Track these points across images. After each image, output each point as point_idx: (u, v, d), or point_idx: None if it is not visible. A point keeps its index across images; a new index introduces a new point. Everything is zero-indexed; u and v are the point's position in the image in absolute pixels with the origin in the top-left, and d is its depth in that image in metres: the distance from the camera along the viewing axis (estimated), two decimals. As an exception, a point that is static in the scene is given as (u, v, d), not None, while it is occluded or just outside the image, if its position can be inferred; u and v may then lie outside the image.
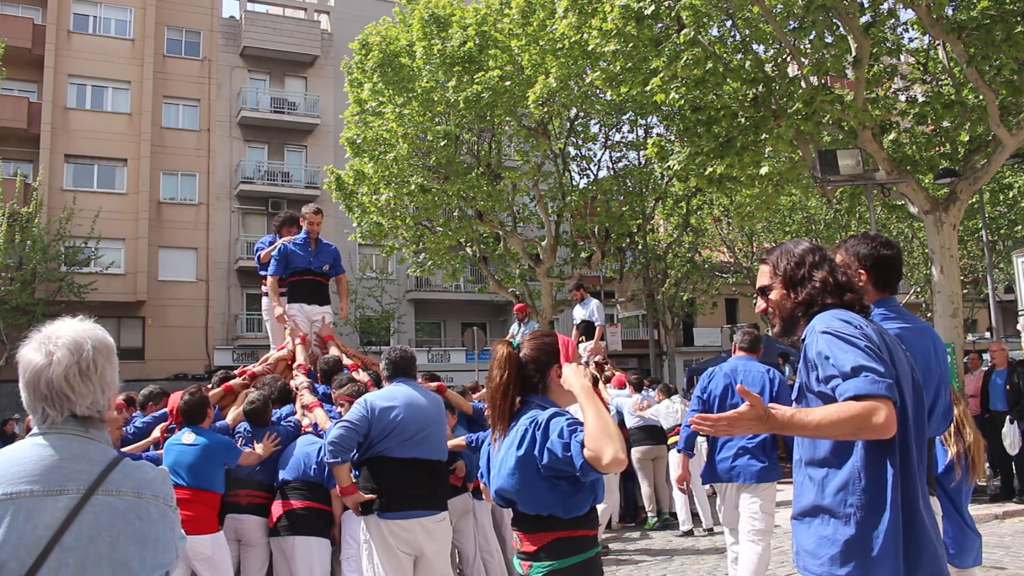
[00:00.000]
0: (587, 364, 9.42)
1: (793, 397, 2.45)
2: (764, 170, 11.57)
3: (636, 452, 9.52)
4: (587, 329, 11.14)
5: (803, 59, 11.14)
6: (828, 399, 2.20)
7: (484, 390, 3.40)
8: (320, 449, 5.21)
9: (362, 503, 4.29)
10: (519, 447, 2.49)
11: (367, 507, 4.26)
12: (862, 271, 3.05)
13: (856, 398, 2.11)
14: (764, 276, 2.56)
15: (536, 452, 2.45)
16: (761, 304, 2.57)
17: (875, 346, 2.20)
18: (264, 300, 7.73)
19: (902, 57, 13.69)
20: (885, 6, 11.40)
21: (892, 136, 13.00)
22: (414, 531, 4.18)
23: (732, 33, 12.69)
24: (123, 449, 5.57)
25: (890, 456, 2.19)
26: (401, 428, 4.25)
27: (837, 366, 2.18)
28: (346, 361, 6.64)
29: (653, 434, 9.62)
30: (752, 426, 2.19)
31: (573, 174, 20.96)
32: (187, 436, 4.99)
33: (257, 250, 7.71)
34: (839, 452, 2.24)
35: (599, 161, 22.05)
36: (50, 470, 1.61)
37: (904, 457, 2.21)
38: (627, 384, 10.32)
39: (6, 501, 1.56)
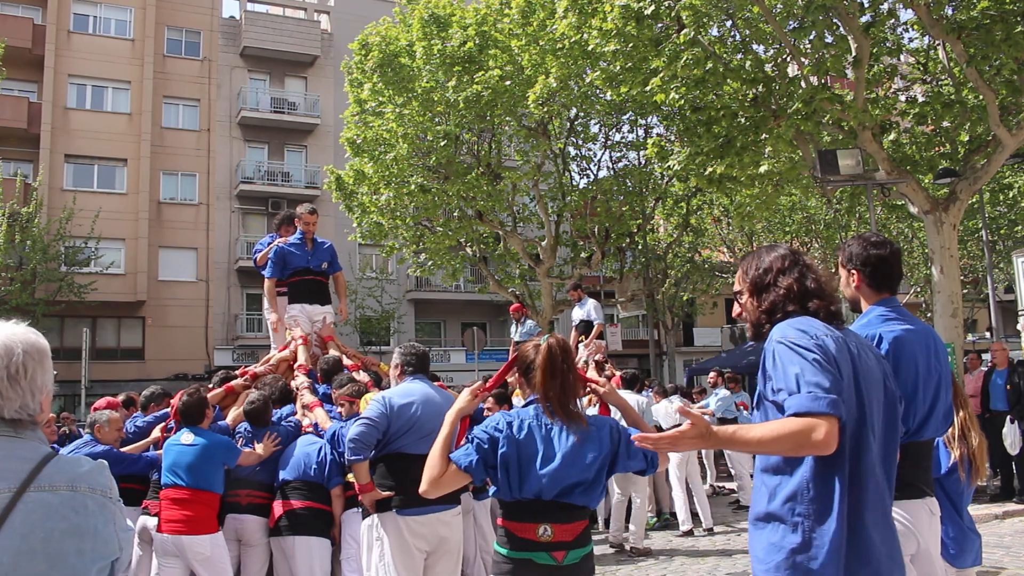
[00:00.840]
0: (586, 364, 9.43)
1: (753, 406, 2.46)
2: (764, 170, 11.56)
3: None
4: (586, 329, 11.11)
5: (803, 59, 11.13)
6: (782, 409, 2.21)
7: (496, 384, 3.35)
8: (320, 449, 5.21)
9: (378, 500, 4.23)
10: (599, 447, 2.77)
11: (383, 504, 4.19)
12: (854, 271, 3.04)
13: (797, 415, 2.11)
14: (737, 281, 2.59)
15: (621, 450, 2.81)
16: (736, 308, 2.61)
17: (826, 358, 2.18)
18: (265, 300, 7.74)
19: (902, 57, 13.69)
20: (885, 6, 11.40)
21: (892, 136, 12.99)
22: (433, 525, 4.15)
23: (732, 33, 12.68)
24: (123, 449, 5.58)
25: (839, 468, 2.18)
26: (419, 424, 4.21)
27: (785, 379, 2.19)
28: (346, 361, 6.64)
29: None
30: (695, 443, 2.23)
31: (573, 174, 20.94)
32: (186, 436, 4.99)
33: (255, 252, 7.72)
34: (791, 460, 2.25)
35: (599, 161, 22.02)
36: None
37: (854, 468, 2.21)
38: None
39: None
